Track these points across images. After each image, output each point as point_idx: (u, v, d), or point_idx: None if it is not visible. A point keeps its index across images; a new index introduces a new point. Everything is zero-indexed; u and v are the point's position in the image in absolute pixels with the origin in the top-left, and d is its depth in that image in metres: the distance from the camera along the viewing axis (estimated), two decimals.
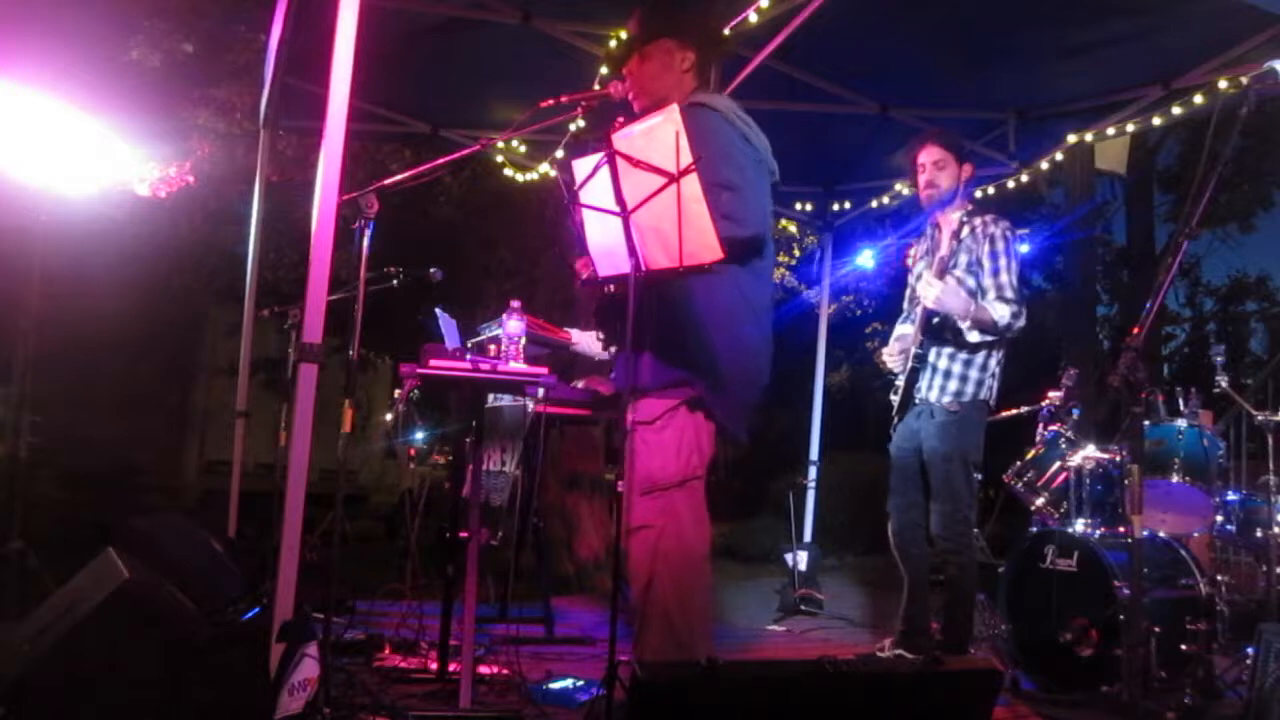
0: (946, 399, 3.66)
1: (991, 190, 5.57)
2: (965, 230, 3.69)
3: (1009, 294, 3.58)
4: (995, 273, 3.62)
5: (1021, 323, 3.58)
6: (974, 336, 3.61)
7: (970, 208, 3.76)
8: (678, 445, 2.55)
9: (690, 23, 2.74)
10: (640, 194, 2.39)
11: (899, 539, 3.79)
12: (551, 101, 2.57)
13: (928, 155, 3.77)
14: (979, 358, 3.66)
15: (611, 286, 2.68)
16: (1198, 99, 4.28)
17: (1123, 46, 4.11)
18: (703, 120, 2.53)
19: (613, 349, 3.53)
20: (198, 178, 6.16)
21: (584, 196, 2.51)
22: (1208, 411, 4.53)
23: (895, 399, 3.82)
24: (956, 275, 3.67)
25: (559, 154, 5.11)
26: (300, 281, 2.53)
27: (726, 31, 3.52)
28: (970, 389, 3.65)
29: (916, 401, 3.76)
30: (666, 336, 2.54)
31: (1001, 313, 3.55)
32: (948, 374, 3.68)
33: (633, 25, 2.75)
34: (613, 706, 2.25)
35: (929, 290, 3.60)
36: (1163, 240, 13.39)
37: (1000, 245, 3.63)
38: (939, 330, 3.70)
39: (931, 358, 3.72)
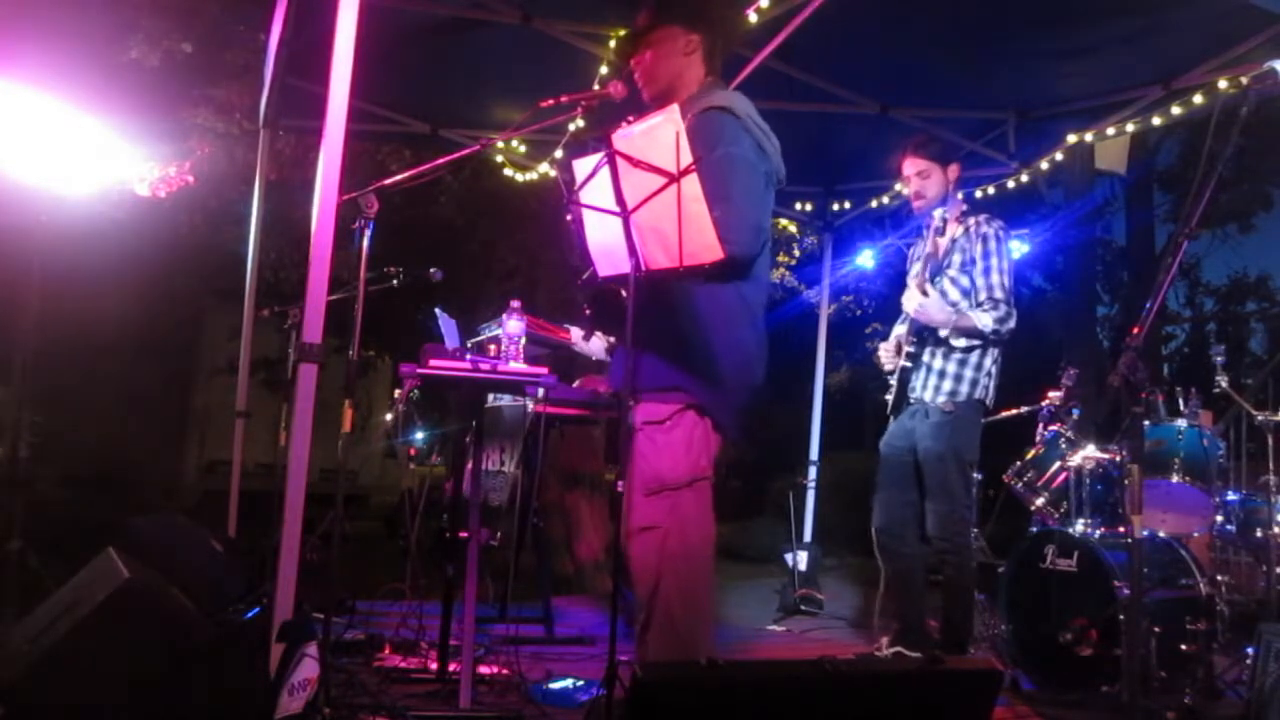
0: (941, 399, 3.66)
1: (991, 190, 5.57)
2: (959, 230, 3.71)
3: (999, 294, 3.61)
4: (987, 273, 3.64)
5: (1010, 325, 3.60)
6: (961, 343, 3.63)
7: (965, 208, 3.77)
8: (687, 444, 2.53)
9: (694, 7, 2.73)
10: (640, 194, 2.39)
11: (883, 535, 3.80)
12: (551, 101, 2.56)
13: (911, 167, 3.79)
14: (973, 357, 3.67)
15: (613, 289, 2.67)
16: (1198, 99, 4.28)
17: (1123, 46, 4.11)
18: (719, 125, 2.52)
19: (597, 341, 3.53)
20: (197, 178, 6.16)
21: (584, 196, 2.51)
22: (1208, 411, 4.53)
23: (889, 398, 3.83)
24: (950, 275, 3.69)
25: (559, 154, 5.11)
26: (300, 281, 2.53)
27: (739, 17, 3.49)
28: (965, 388, 3.65)
29: (911, 401, 3.76)
30: (664, 338, 2.53)
31: (985, 321, 3.57)
32: (942, 374, 3.68)
33: (639, 16, 2.75)
34: (613, 706, 2.25)
35: (911, 302, 3.66)
36: (1163, 240, 13.38)
37: (993, 245, 3.65)
38: (932, 330, 3.72)
39: (926, 357, 3.73)
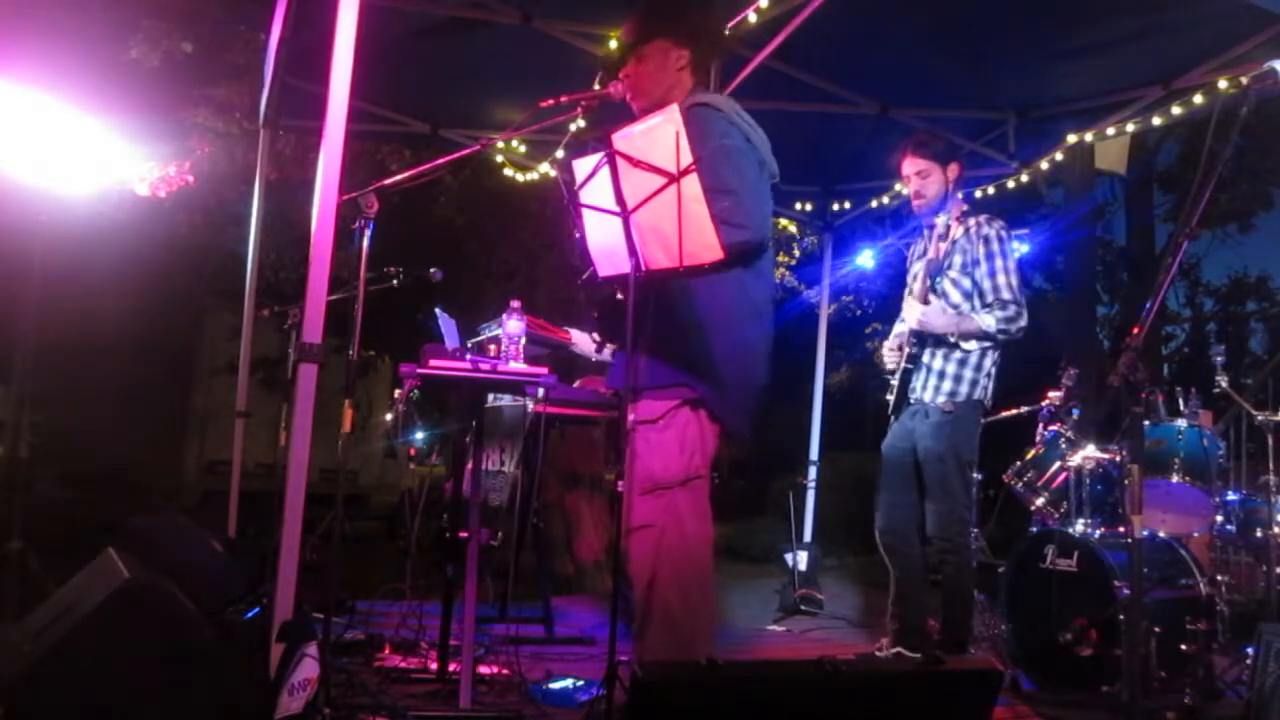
0: (941, 399, 3.66)
1: (991, 190, 5.57)
2: (959, 231, 3.70)
3: (1006, 295, 3.59)
4: (992, 274, 3.62)
5: (1021, 324, 3.58)
6: (971, 345, 3.62)
7: (965, 208, 3.76)
8: (680, 443, 2.54)
9: (683, 22, 2.74)
10: (640, 194, 2.39)
11: (887, 537, 3.79)
12: (551, 101, 2.56)
13: (910, 166, 3.77)
14: (973, 357, 3.66)
15: (617, 291, 2.67)
16: (1198, 99, 4.28)
17: (1123, 46, 4.11)
18: (704, 120, 2.52)
19: (608, 349, 3.53)
20: (197, 178, 6.16)
21: (584, 196, 2.51)
22: (1208, 411, 4.53)
23: (890, 399, 3.83)
24: (952, 276, 3.68)
25: (559, 154, 5.11)
26: (300, 281, 2.53)
27: (726, 30, 3.52)
28: (965, 389, 3.65)
29: (911, 401, 3.76)
30: (669, 337, 2.53)
31: (988, 321, 3.56)
32: (942, 374, 3.68)
33: (627, 29, 2.75)
34: (613, 706, 2.25)
35: (912, 312, 3.65)
36: (1163, 240, 13.41)
37: (996, 246, 3.64)
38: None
39: (926, 358, 3.72)
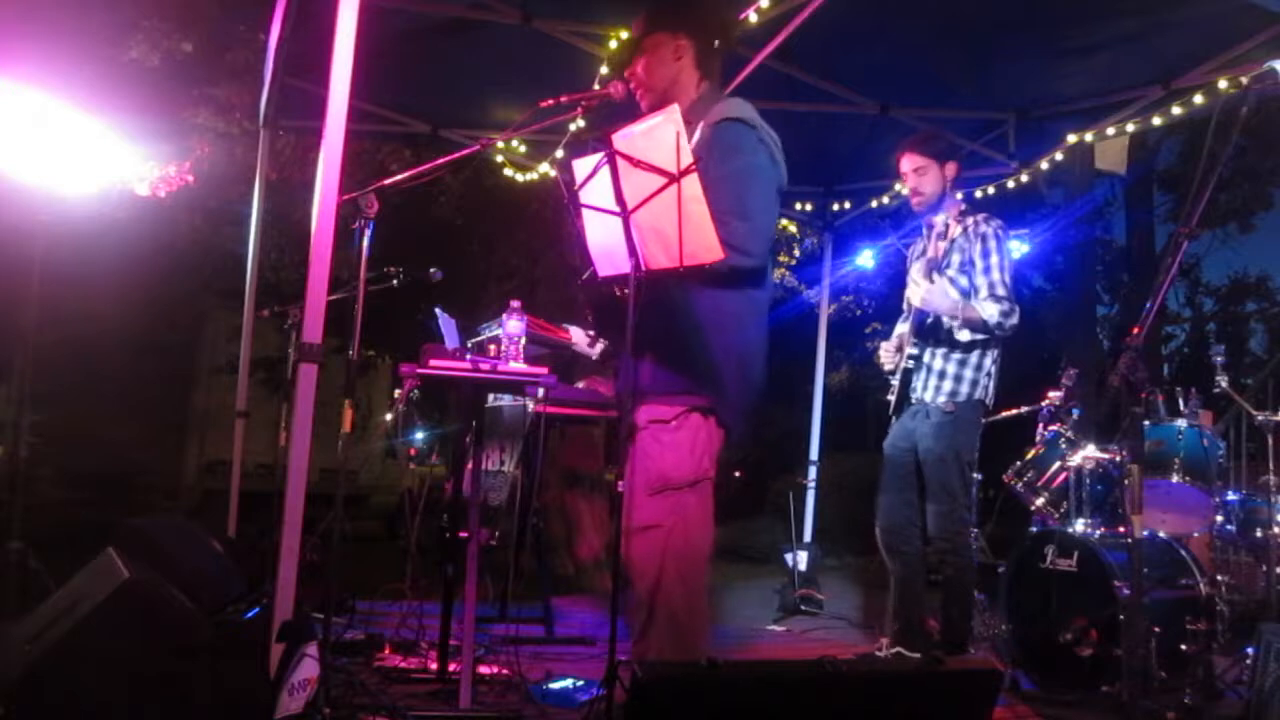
0: (942, 399, 3.66)
1: (991, 190, 5.57)
2: (957, 230, 3.70)
3: (1000, 292, 3.60)
4: (987, 271, 3.63)
5: (1013, 321, 3.59)
6: (964, 335, 3.63)
7: (964, 207, 3.77)
8: (692, 444, 2.54)
9: (683, 14, 2.75)
10: (640, 194, 2.39)
11: (888, 536, 3.79)
12: (551, 101, 2.56)
13: (908, 164, 3.79)
14: (973, 357, 3.67)
15: (614, 288, 2.67)
16: (1198, 99, 4.28)
17: (1123, 46, 4.12)
18: (736, 137, 2.54)
19: (599, 345, 3.53)
20: (197, 177, 6.17)
21: (584, 196, 2.51)
22: (1208, 411, 4.54)
23: (891, 398, 3.83)
24: (950, 275, 3.69)
25: (559, 154, 5.11)
26: (300, 281, 2.53)
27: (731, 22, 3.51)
28: (965, 389, 3.65)
29: (912, 401, 3.76)
30: (673, 342, 2.53)
31: (990, 312, 3.56)
32: (942, 374, 3.68)
33: (633, 29, 2.76)
34: (613, 706, 2.25)
35: (916, 290, 3.66)
36: (1163, 240, 13.40)
37: (992, 244, 3.65)
38: (933, 330, 3.71)
39: (926, 358, 3.72)
